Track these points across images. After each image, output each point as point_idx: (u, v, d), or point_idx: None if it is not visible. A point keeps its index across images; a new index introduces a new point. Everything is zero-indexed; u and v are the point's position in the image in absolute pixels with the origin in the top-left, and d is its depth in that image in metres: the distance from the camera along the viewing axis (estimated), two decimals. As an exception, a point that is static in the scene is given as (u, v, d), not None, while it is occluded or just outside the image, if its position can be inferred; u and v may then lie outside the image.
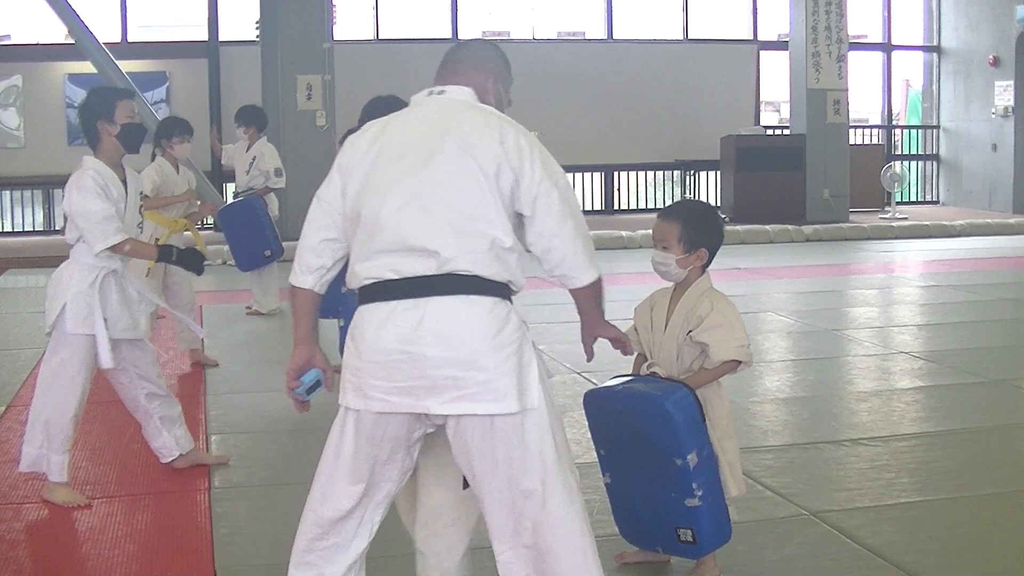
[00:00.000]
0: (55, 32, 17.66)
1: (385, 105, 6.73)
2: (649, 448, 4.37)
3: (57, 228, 18.42)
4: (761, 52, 21.19)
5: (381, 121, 3.81)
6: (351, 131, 8.88)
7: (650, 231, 4.74)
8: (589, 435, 4.70)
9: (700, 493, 4.35)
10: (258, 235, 10.75)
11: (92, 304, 5.77)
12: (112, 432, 6.98)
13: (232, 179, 11.83)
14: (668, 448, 4.31)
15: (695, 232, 4.52)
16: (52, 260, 15.36)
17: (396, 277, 3.57)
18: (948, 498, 5.74)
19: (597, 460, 4.70)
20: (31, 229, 18.66)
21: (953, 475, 6.12)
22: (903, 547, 4.95)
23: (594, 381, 7.84)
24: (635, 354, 4.66)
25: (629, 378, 4.54)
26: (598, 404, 4.54)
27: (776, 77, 20.89)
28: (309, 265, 3.81)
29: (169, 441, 6.23)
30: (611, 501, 4.66)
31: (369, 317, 3.60)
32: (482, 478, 3.62)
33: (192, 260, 6.45)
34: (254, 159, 11.17)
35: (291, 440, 6.94)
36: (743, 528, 4.76)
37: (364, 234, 3.63)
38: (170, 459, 6.26)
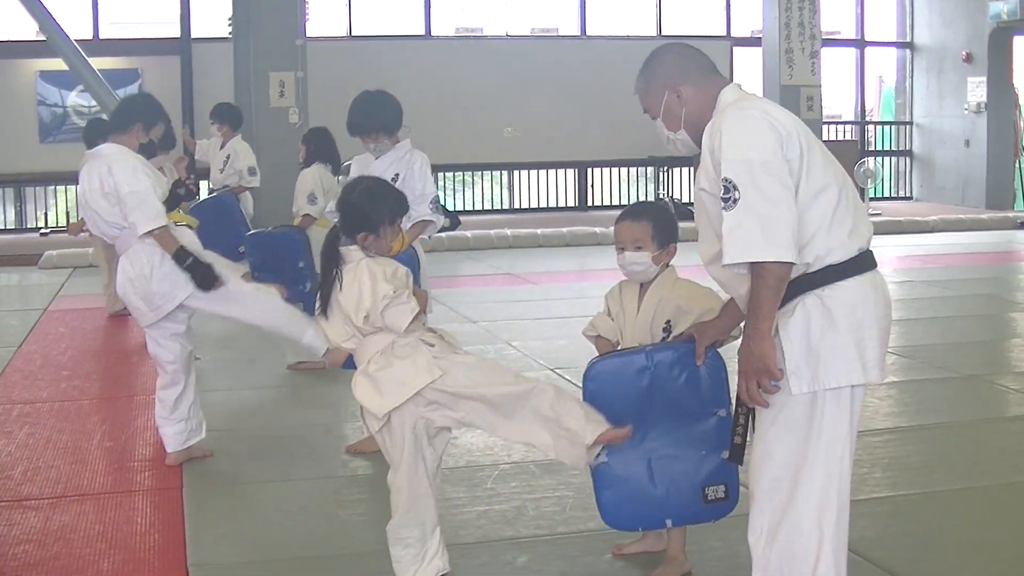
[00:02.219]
0: (26, 29, 17.56)
1: (378, 102, 6.73)
2: (680, 407, 4.35)
3: (29, 226, 18.32)
4: (734, 48, 21.19)
5: (760, 100, 3.75)
6: (312, 130, 9.00)
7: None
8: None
9: None
10: (233, 232, 10.68)
11: (176, 274, 6.10)
12: (84, 431, 6.95)
13: (205, 176, 11.78)
14: (711, 400, 4.36)
15: (664, 229, 4.61)
16: (24, 259, 15.34)
17: (869, 248, 3.67)
18: (921, 493, 5.76)
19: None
20: (2, 228, 18.52)
21: (926, 470, 6.14)
22: (875, 542, 4.95)
23: (567, 377, 7.83)
24: (595, 336, 4.75)
25: (631, 349, 4.53)
26: (612, 373, 4.44)
27: (749, 73, 20.90)
28: (792, 239, 3.46)
29: (192, 425, 6.41)
30: (603, 485, 4.48)
31: (865, 285, 3.62)
32: None
33: (202, 275, 6.16)
34: (228, 157, 11.14)
35: (264, 438, 6.93)
36: (716, 523, 4.75)
37: (831, 206, 3.57)
38: (194, 442, 6.39)
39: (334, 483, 6.09)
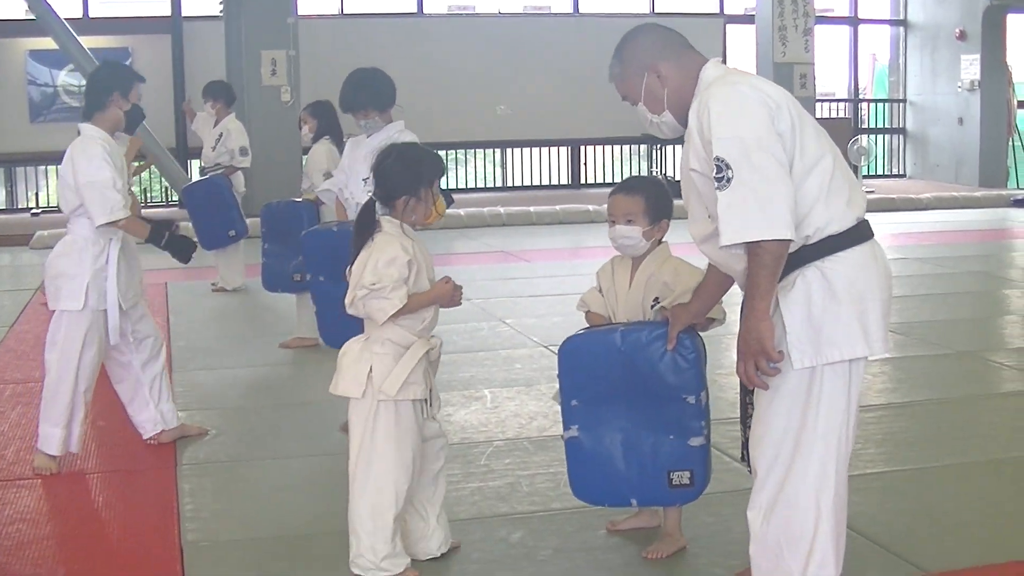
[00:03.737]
0: (15, 7, 17.46)
1: (370, 78, 6.70)
2: (650, 389, 4.33)
3: (20, 206, 18.29)
4: (728, 26, 21.15)
5: (746, 74, 3.71)
6: (319, 102, 8.91)
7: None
8: (554, 406, 4.66)
9: (705, 432, 4.39)
10: (224, 215, 10.67)
11: (108, 281, 5.87)
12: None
13: (198, 156, 11.77)
14: (681, 386, 4.32)
15: (657, 205, 4.59)
16: (14, 239, 15.32)
17: (865, 217, 3.64)
18: (915, 468, 5.77)
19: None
20: (-8, 207, 18.48)
21: (919, 446, 6.15)
22: (870, 517, 4.95)
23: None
24: (585, 312, 4.76)
25: (609, 326, 4.53)
26: (586, 349, 4.45)
27: (743, 51, 20.88)
28: (789, 216, 3.42)
29: (155, 415, 6.27)
30: (573, 458, 4.51)
31: (865, 255, 3.60)
32: None
33: (181, 248, 6.29)
34: (221, 136, 11.10)
35: (257, 416, 6.93)
36: (710, 499, 4.76)
37: (827, 177, 3.54)
38: (153, 434, 6.27)
39: (328, 461, 6.07)
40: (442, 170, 4.60)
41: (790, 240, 3.42)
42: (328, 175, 8.19)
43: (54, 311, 5.96)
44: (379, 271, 4.30)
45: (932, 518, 5.07)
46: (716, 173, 3.43)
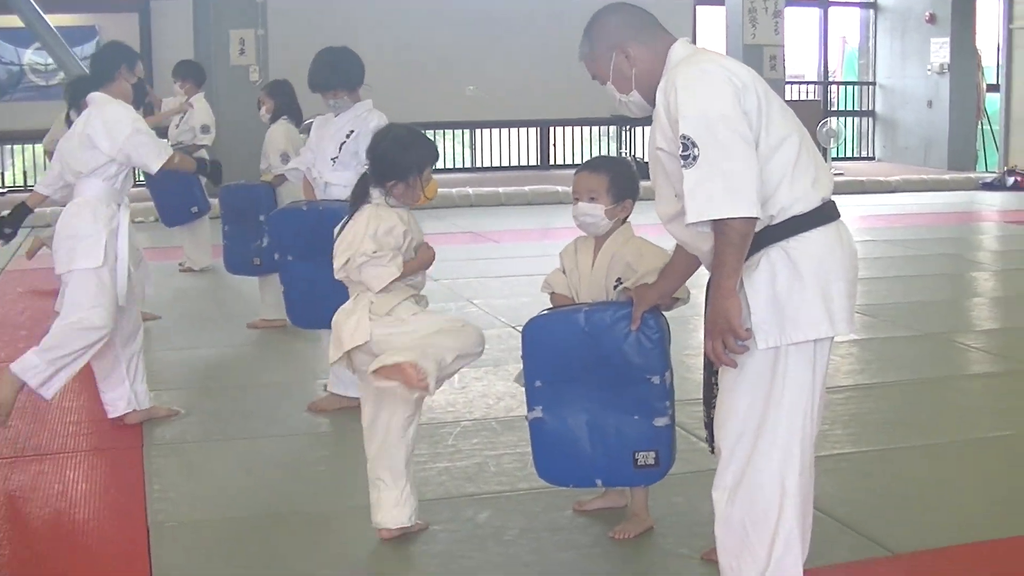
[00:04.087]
0: (-19, -15, 17.32)
1: (339, 57, 6.67)
2: (614, 370, 4.32)
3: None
4: (697, 7, 21.17)
5: (713, 53, 3.68)
6: (277, 82, 8.85)
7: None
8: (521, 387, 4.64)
9: (670, 412, 4.38)
10: (185, 191, 10.61)
11: (120, 241, 5.95)
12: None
13: (165, 135, 11.67)
14: (645, 366, 4.30)
15: (621, 184, 4.58)
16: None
17: (831, 197, 3.63)
18: (881, 449, 5.79)
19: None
20: (-40, 186, 18.32)
21: (887, 427, 6.16)
22: (837, 499, 4.97)
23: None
24: (550, 293, 4.75)
25: (573, 306, 4.52)
26: (550, 330, 4.45)
27: (713, 33, 20.87)
28: (755, 194, 3.39)
29: (129, 394, 6.23)
30: (537, 439, 4.50)
31: (830, 236, 3.59)
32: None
33: (216, 171, 7.08)
34: (185, 113, 11.04)
35: (224, 397, 6.90)
36: (677, 479, 4.77)
37: (793, 157, 3.52)
38: (121, 414, 6.23)
39: (295, 441, 6.06)
40: (435, 156, 4.67)
41: (756, 218, 3.41)
42: (286, 156, 8.15)
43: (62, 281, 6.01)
44: (379, 239, 4.43)
45: (900, 499, 5.09)
46: (682, 151, 3.41)
